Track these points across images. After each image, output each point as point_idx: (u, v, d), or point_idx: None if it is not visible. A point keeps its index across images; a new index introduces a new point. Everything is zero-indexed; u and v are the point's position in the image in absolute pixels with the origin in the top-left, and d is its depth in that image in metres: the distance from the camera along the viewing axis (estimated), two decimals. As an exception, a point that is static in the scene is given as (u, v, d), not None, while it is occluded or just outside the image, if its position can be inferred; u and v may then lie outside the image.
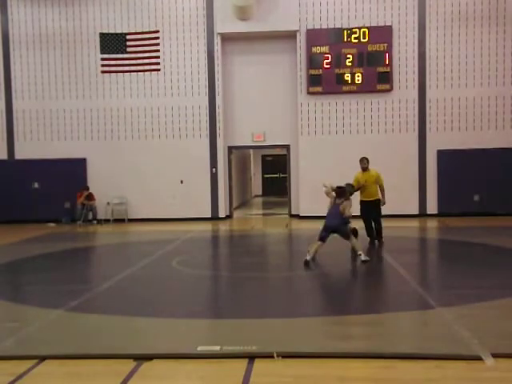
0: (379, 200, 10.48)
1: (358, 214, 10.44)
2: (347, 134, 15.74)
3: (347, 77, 15.43)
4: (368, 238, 10.55)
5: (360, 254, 8.43)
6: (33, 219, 15.87)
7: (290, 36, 15.72)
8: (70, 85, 16.18)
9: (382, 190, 10.46)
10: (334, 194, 8.87)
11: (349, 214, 8.61)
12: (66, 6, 16.09)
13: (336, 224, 8.53)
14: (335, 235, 8.69)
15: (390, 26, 15.47)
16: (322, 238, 8.54)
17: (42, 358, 4.40)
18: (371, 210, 10.44)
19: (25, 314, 6.00)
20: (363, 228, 10.51)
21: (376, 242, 10.49)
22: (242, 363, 4.20)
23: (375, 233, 10.56)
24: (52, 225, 15.54)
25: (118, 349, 4.58)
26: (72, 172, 16.04)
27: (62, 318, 5.66)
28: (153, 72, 15.95)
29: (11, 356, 4.47)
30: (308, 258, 8.29)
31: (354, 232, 9.13)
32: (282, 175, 24.69)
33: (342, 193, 8.74)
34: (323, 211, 10.53)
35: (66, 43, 16.13)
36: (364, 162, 10.59)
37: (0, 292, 7.09)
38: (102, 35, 15.88)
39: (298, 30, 15.54)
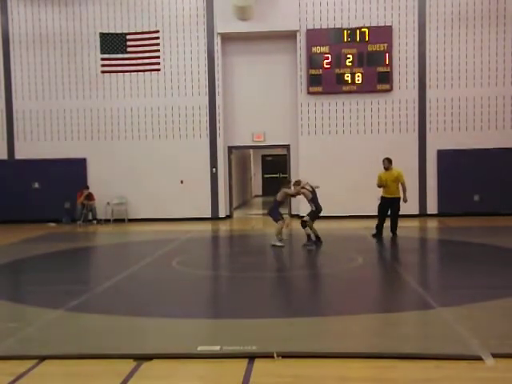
0: (399, 198, 11.29)
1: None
2: (347, 133, 15.74)
3: (347, 77, 15.43)
4: (376, 231, 11.40)
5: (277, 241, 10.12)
6: (33, 219, 15.87)
7: (290, 36, 15.72)
8: (70, 85, 16.18)
9: (404, 189, 11.29)
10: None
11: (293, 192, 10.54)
12: (66, 5, 16.09)
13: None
14: None
15: (390, 26, 15.47)
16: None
17: (42, 358, 4.39)
18: (389, 206, 11.32)
19: (25, 314, 5.99)
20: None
21: (390, 235, 11.35)
22: (242, 363, 4.20)
23: (391, 226, 11.37)
24: (52, 225, 15.54)
25: (118, 349, 4.57)
26: (72, 172, 16.05)
27: (62, 317, 5.65)
28: (153, 72, 15.95)
29: (11, 356, 4.46)
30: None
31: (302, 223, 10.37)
32: (282, 175, 24.67)
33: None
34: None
35: (66, 43, 16.13)
36: (385, 163, 11.41)
37: (0, 292, 7.09)
38: (102, 35, 15.88)
39: (298, 30, 15.54)
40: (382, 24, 15.48)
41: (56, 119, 16.27)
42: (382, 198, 11.43)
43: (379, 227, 11.34)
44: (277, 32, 15.58)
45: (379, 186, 11.37)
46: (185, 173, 16.03)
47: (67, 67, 16.15)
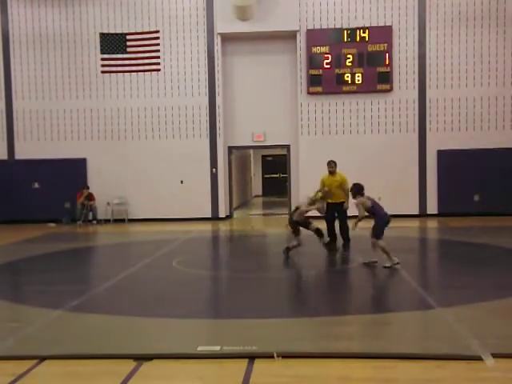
0: (344, 202, 10.22)
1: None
2: (347, 134, 15.74)
3: (347, 77, 15.43)
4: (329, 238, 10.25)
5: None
6: (33, 219, 15.87)
7: (290, 36, 15.72)
8: (70, 85, 16.18)
9: (347, 195, 9.97)
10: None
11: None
12: (66, 6, 16.09)
13: None
14: None
15: (390, 26, 15.47)
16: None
17: (42, 358, 4.39)
18: (336, 212, 10.26)
19: (25, 314, 5.99)
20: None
21: (343, 242, 10.29)
22: (242, 363, 4.20)
23: (343, 234, 10.29)
24: (52, 225, 15.54)
25: (118, 349, 4.58)
26: (72, 172, 16.04)
27: (62, 318, 5.65)
28: (153, 72, 15.95)
29: (11, 356, 4.46)
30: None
31: (318, 232, 9.20)
32: (282, 175, 24.68)
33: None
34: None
35: (66, 43, 16.14)
36: (331, 166, 10.42)
37: (0, 292, 7.09)
38: (102, 35, 15.88)
39: (298, 30, 15.54)
40: (382, 24, 15.48)
41: (56, 119, 16.27)
42: (327, 203, 10.00)
43: (331, 234, 10.27)
44: (277, 32, 15.57)
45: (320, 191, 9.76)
46: (185, 173, 16.03)
47: (67, 67, 16.15)
